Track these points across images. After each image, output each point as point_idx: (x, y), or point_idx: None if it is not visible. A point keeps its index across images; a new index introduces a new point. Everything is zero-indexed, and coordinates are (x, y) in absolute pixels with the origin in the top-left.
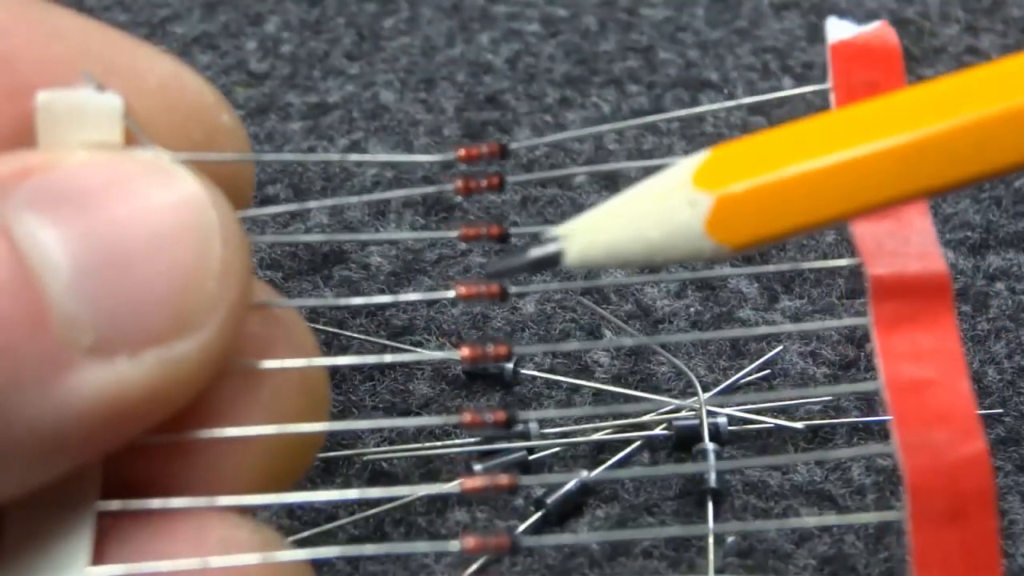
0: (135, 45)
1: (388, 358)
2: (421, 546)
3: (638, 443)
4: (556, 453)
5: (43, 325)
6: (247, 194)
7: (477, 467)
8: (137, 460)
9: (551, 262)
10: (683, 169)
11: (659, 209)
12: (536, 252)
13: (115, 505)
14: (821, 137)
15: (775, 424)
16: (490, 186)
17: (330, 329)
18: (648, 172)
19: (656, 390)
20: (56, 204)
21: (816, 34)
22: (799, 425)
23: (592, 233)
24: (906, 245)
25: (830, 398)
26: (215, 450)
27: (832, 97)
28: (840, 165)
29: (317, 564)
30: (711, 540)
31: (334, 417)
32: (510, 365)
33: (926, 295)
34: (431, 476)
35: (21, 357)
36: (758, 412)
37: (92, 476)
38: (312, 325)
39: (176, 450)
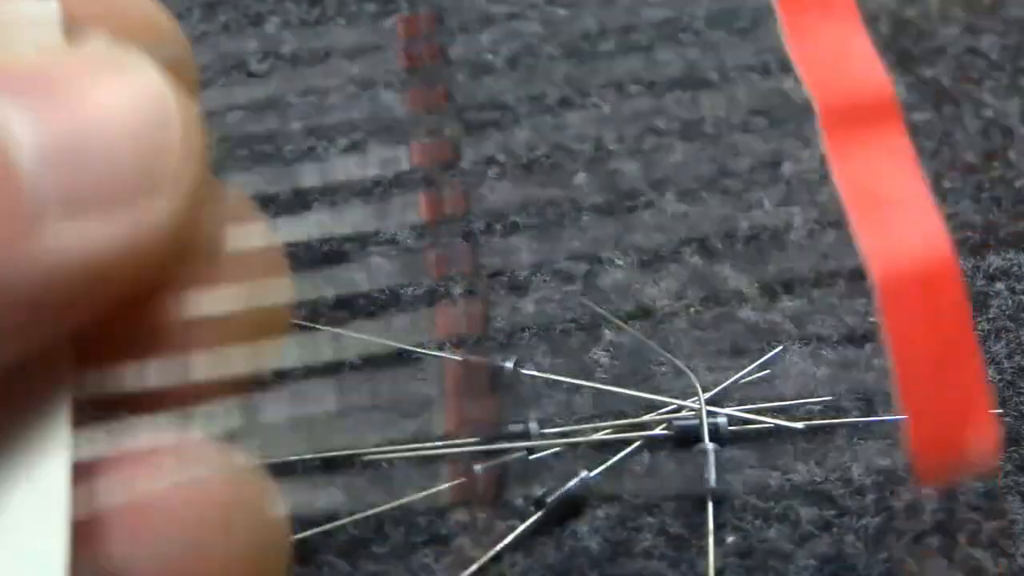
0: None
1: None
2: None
3: (638, 443)
4: (556, 453)
5: (14, 186)
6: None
7: (477, 467)
8: (103, 346)
9: None
10: None
11: None
12: None
13: (88, 390)
14: None
15: (775, 424)
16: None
17: (330, 329)
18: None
19: (656, 390)
20: (16, 90)
21: None
22: (799, 425)
23: None
24: (850, 72)
25: (830, 397)
26: (183, 334)
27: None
28: None
29: (317, 564)
30: (711, 540)
31: (333, 418)
32: (510, 364)
33: (877, 118)
34: (431, 476)
35: None
36: (758, 412)
37: (65, 361)
38: (312, 325)
39: (142, 331)
